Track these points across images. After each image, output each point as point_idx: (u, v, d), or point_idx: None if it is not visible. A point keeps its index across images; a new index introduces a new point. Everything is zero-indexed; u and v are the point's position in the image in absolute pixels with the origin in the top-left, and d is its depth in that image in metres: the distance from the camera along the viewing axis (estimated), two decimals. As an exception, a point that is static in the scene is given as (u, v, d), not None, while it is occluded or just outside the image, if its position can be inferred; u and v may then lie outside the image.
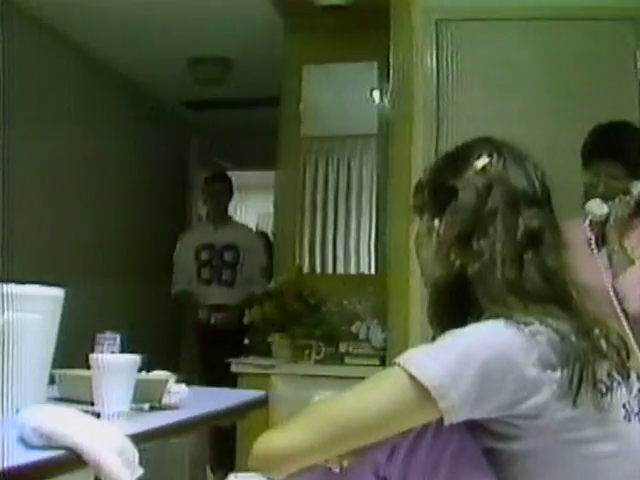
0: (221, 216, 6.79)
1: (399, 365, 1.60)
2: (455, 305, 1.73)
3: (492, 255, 1.70)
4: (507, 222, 1.72)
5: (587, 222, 3.11)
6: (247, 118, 7.71)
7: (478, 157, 1.79)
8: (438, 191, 1.82)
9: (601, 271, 2.97)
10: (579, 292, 1.76)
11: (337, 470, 1.67)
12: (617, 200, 3.19)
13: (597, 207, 3.17)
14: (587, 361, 1.60)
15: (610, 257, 3.11)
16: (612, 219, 3.17)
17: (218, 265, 6.57)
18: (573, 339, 1.61)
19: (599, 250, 3.07)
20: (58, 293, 2.01)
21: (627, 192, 3.18)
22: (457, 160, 1.83)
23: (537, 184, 1.79)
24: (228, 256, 6.57)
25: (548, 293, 1.70)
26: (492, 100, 4.34)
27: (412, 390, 1.56)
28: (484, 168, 1.77)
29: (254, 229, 8.38)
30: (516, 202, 1.74)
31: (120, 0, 5.57)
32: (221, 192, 6.78)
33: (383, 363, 4.58)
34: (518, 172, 1.78)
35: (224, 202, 6.79)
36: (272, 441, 1.67)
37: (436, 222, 1.80)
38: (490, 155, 1.79)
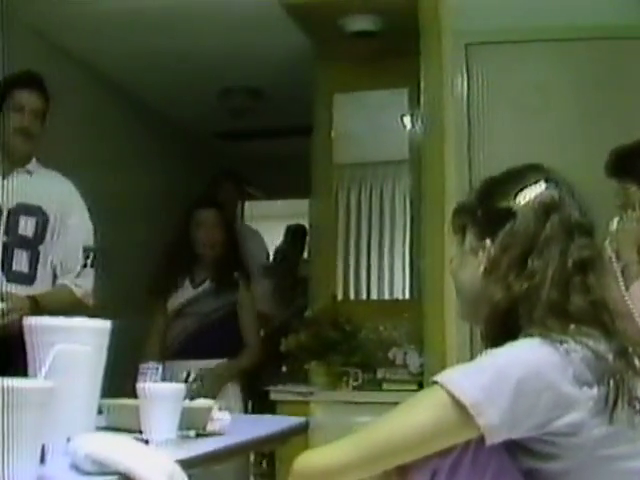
0: (23, 155, 3.83)
1: (438, 383, 1.63)
2: (510, 324, 1.75)
3: (543, 277, 1.73)
4: (561, 248, 1.75)
5: (607, 241, 3.14)
6: (279, 147, 7.75)
7: (535, 182, 1.82)
8: (490, 212, 1.85)
9: (621, 289, 3.00)
10: (617, 315, 1.78)
11: None
12: (624, 215, 3.24)
13: (612, 224, 3.23)
14: (622, 378, 1.63)
15: (623, 272, 3.13)
16: (620, 234, 3.20)
17: (8, 243, 3.70)
18: (609, 357, 1.64)
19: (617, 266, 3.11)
20: (105, 325, 2.05)
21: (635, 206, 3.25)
22: (509, 184, 1.86)
23: (586, 215, 1.82)
24: (27, 227, 3.74)
25: (591, 317, 1.72)
26: (523, 123, 4.35)
27: (451, 408, 1.59)
28: (542, 194, 1.80)
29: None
30: (571, 230, 1.77)
31: (151, 33, 5.63)
32: (31, 109, 3.82)
33: (421, 388, 4.56)
34: (572, 201, 1.82)
35: (32, 130, 3.82)
36: (312, 459, 1.70)
37: (487, 242, 1.82)
38: (546, 181, 1.82)
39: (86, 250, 3.88)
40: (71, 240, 3.86)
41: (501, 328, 1.76)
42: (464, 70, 4.46)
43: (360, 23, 5.32)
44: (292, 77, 6.05)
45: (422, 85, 4.72)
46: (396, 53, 5.18)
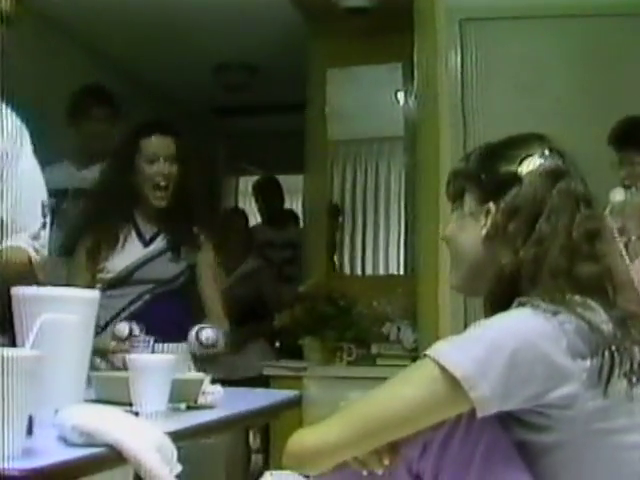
0: None
1: (429, 357, 1.61)
2: (513, 290, 1.72)
3: (551, 244, 1.70)
4: (569, 217, 1.73)
5: (607, 210, 3.11)
6: (274, 123, 7.74)
7: (540, 150, 1.79)
8: (494, 176, 1.81)
9: (624, 260, 2.98)
10: (619, 286, 1.77)
11: (380, 473, 1.68)
12: (634, 188, 3.21)
13: (616, 195, 3.19)
14: (618, 350, 1.61)
15: (626, 246, 3.11)
16: (629, 208, 3.17)
17: None
18: (605, 329, 1.62)
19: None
20: (94, 295, 2.03)
21: None
22: (513, 149, 1.82)
23: (587, 186, 1.80)
24: None
25: (594, 286, 1.70)
26: (518, 98, 4.34)
27: (443, 381, 1.58)
28: (548, 162, 1.78)
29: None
30: (577, 200, 1.75)
31: (147, 10, 5.61)
32: None
33: (415, 364, 4.58)
34: (576, 172, 1.80)
35: None
36: (305, 438, 1.68)
37: (491, 205, 1.78)
38: (550, 151, 1.80)
39: (45, 207, 3.01)
40: (24, 190, 2.91)
41: (505, 293, 1.73)
42: (458, 46, 4.46)
43: None
44: (287, 53, 6.04)
45: (416, 61, 4.71)
46: (390, 29, 5.17)
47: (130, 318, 3.42)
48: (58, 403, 1.75)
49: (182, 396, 2.15)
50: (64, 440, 1.63)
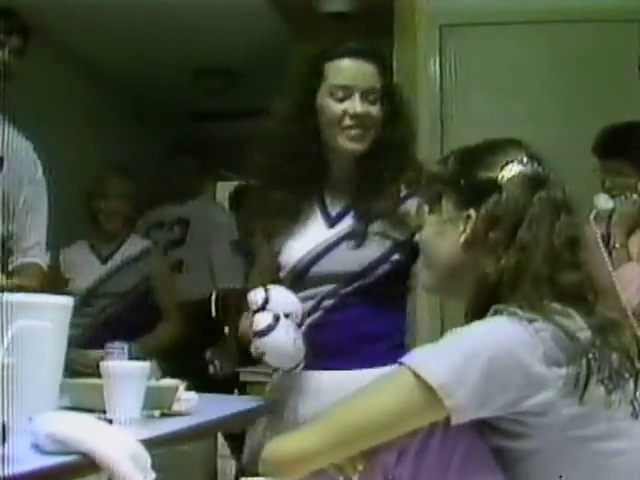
0: None
1: (405, 365, 1.61)
2: (494, 298, 1.72)
3: (533, 251, 1.71)
4: (550, 224, 1.73)
5: (592, 216, 3.11)
6: (254, 128, 7.71)
7: (518, 157, 1.80)
8: (473, 182, 1.81)
9: (607, 267, 2.98)
10: (601, 292, 1.78)
11: (355, 479, 1.68)
12: (623, 197, 3.20)
13: (602, 202, 3.19)
14: (595, 358, 1.62)
15: (610, 254, 3.11)
16: (616, 216, 3.18)
17: None
18: (582, 336, 1.63)
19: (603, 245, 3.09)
20: (67, 302, 2.02)
21: (635, 190, 3.21)
22: (491, 155, 1.82)
23: (567, 194, 1.80)
24: None
25: (575, 294, 1.71)
26: (497, 104, 4.36)
27: (418, 390, 1.58)
28: (527, 169, 1.78)
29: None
30: (557, 208, 1.76)
31: (124, 12, 5.58)
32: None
33: (392, 368, 4.58)
34: (555, 179, 1.80)
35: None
36: (282, 445, 1.69)
37: (472, 212, 1.78)
38: (529, 157, 1.80)
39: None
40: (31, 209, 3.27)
41: (487, 300, 1.74)
42: (437, 51, 4.47)
43: (334, 4, 5.30)
44: (266, 57, 6.02)
45: (395, 66, 4.70)
46: (370, 34, 5.15)
47: (308, 332, 2.46)
48: (32, 411, 1.74)
49: (156, 403, 2.14)
50: (38, 448, 1.62)
